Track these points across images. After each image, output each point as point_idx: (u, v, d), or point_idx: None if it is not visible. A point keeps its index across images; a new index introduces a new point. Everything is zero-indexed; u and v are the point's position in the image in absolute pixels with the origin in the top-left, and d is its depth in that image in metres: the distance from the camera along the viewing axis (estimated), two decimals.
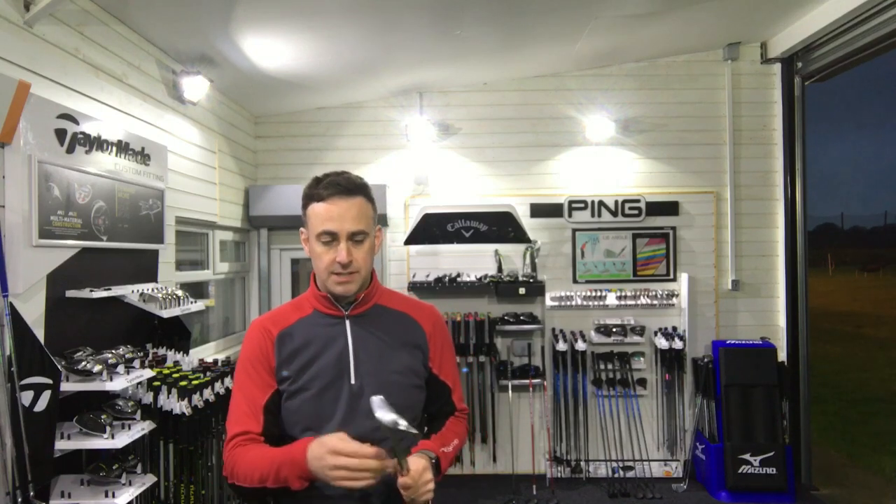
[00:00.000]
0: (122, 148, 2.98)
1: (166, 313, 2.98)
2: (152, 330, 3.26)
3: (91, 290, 2.64)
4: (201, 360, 3.39)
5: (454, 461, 1.57)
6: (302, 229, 1.51)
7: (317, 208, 1.44)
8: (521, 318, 4.92)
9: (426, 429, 1.62)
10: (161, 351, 3.21)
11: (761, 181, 5.11)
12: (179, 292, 3.17)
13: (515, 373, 4.92)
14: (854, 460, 5.67)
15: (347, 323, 1.49)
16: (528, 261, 5.00)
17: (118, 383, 2.44)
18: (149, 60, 3.41)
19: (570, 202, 5.11)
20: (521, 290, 4.80)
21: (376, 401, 1.24)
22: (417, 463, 1.32)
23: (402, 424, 1.23)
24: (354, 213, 1.43)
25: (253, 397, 1.43)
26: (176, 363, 3.18)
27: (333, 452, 1.23)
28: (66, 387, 2.37)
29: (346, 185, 1.44)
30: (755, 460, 4.52)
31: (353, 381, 1.44)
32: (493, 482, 4.89)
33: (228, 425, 1.44)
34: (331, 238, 1.42)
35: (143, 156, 3.17)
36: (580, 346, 4.87)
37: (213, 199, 4.26)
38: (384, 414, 1.23)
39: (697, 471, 4.89)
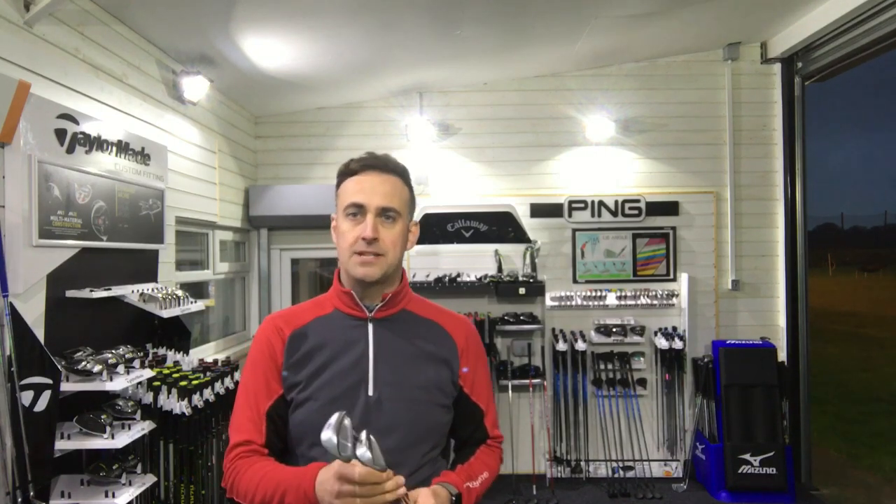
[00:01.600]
0: (122, 148, 2.98)
1: (166, 313, 2.98)
2: (152, 330, 3.26)
3: (91, 290, 2.64)
4: (201, 360, 3.39)
5: (481, 497, 1.37)
6: (332, 215, 1.38)
7: (348, 183, 1.32)
8: (521, 318, 4.92)
9: (452, 458, 1.45)
10: (161, 351, 3.21)
11: (761, 181, 5.11)
12: (179, 292, 3.17)
13: (515, 373, 4.92)
14: (854, 460, 5.67)
15: (370, 326, 1.33)
16: (528, 261, 5.00)
17: (118, 383, 2.44)
18: (149, 60, 3.41)
19: (570, 202, 5.11)
20: (521, 290, 4.80)
21: (363, 437, 1.07)
22: (427, 499, 1.16)
23: (371, 459, 1.06)
24: (387, 188, 1.30)
25: (256, 402, 1.29)
26: (176, 363, 3.18)
27: (340, 478, 1.07)
28: (66, 387, 2.37)
29: (383, 161, 1.34)
30: (755, 460, 4.52)
31: (370, 393, 1.28)
32: (493, 482, 4.87)
33: (230, 431, 1.32)
34: (357, 211, 1.29)
35: (143, 156, 3.17)
36: (580, 346, 4.86)
37: (213, 199, 4.26)
38: (364, 451, 1.05)
39: (697, 471, 4.89)
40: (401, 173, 1.35)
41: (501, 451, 1.50)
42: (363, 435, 1.06)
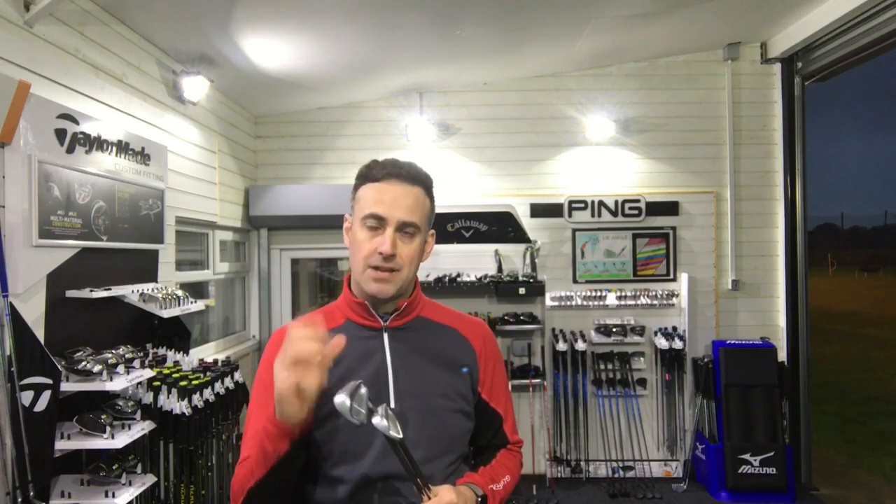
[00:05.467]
0: (122, 148, 2.98)
1: (166, 313, 2.98)
2: (152, 330, 3.26)
3: (91, 290, 2.64)
4: (201, 360, 3.39)
5: (504, 502, 1.33)
6: (346, 216, 1.33)
7: (368, 190, 1.26)
8: (521, 318, 4.92)
9: (473, 462, 1.41)
10: (161, 351, 3.21)
11: (761, 181, 5.11)
12: (179, 292, 3.17)
13: (515, 373, 4.92)
14: (854, 460, 5.67)
15: (385, 336, 1.29)
16: (528, 261, 5.00)
17: (118, 383, 2.44)
18: (149, 60, 3.41)
19: (570, 202, 5.11)
20: (521, 290, 4.80)
21: (381, 409, 1.02)
22: (447, 493, 1.09)
23: (382, 418, 1.00)
24: (410, 201, 1.25)
25: (268, 416, 1.15)
26: (176, 363, 3.18)
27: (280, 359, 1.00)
28: (66, 387, 2.37)
29: (407, 171, 1.27)
30: (755, 460, 4.52)
31: (392, 406, 1.23)
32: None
33: (242, 445, 1.23)
34: (377, 223, 1.24)
35: (143, 156, 3.17)
36: (580, 346, 4.86)
37: (213, 199, 4.26)
38: (379, 419, 1.00)
39: (697, 471, 4.89)
40: (424, 184, 1.29)
41: (521, 455, 1.46)
42: (381, 408, 1.03)
